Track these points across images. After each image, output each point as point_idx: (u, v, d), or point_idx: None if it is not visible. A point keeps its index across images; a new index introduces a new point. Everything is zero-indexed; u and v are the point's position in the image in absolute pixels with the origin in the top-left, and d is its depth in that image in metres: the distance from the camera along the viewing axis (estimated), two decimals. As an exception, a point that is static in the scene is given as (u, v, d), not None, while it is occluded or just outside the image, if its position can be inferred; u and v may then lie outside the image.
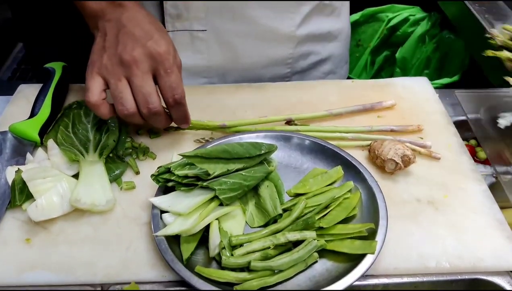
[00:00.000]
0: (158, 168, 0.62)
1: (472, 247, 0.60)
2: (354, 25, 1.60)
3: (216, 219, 0.60)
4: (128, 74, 0.64)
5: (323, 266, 0.58)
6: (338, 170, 0.67)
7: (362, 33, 1.62)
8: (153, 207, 0.61)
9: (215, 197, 0.60)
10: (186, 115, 0.70)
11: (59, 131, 0.72)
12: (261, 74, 0.91)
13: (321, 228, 0.59)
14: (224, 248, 0.56)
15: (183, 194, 0.60)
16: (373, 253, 0.55)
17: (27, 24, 1.03)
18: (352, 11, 1.07)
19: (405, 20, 1.53)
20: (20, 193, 0.63)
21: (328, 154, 0.70)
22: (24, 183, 0.63)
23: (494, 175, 0.73)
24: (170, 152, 0.73)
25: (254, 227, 0.62)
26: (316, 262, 0.57)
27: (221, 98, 0.84)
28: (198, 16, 0.81)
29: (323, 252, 0.58)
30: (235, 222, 0.62)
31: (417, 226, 0.63)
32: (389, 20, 1.55)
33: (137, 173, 0.70)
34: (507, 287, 0.58)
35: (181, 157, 0.62)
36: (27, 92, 0.85)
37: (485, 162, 0.83)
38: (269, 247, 0.56)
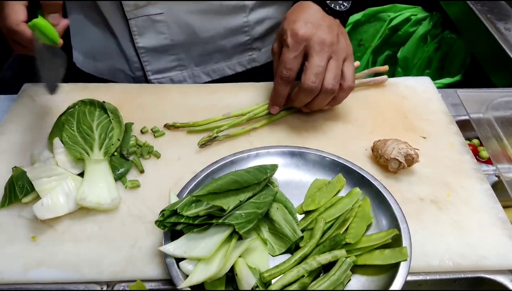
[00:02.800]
0: (161, 212, 0.56)
1: (475, 246, 0.61)
2: (356, 25, 1.61)
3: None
4: None
5: (358, 282, 0.56)
6: (340, 178, 0.66)
7: (364, 32, 1.63)
8: (166, 255, 0.55)
9: (233, 233, 0.55)
10: None
11: (64, 130, 0.72)
12: (222, 44, 0.95)
13: (347, 244, 0.57)
14: (257, 286, 0.53)
15: (197, 235, 0.55)
16: (405, 260, 0.54)
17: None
18: (354, 11, 1.06)
19: (407, 20, 1.53)
20: (20, 188, 0.64)
21: (326, 162, 0.69)
22: (25, 180, 0.64)
23: (496, 174, 0.74)
24: (174, 151, 0.74)
25: (276, 255, 0.59)
26: (349, 280, 0.56)
27: (224, 98, 0.84)
28: (153, 2, 0.85)
29: (352, 268, 0.56)
30: (258, 254, 0.58)
31: (420, 225, 0.63)
32: (391, 19, 1.55)
33: (142, 171, 0.70)
34: (510, 285, 0.58)
35: (176, 195, 0.60)
36: (32, 91, 0.85)
37: (487, 161, 0.83)
38: (303, 275, 0.54)
